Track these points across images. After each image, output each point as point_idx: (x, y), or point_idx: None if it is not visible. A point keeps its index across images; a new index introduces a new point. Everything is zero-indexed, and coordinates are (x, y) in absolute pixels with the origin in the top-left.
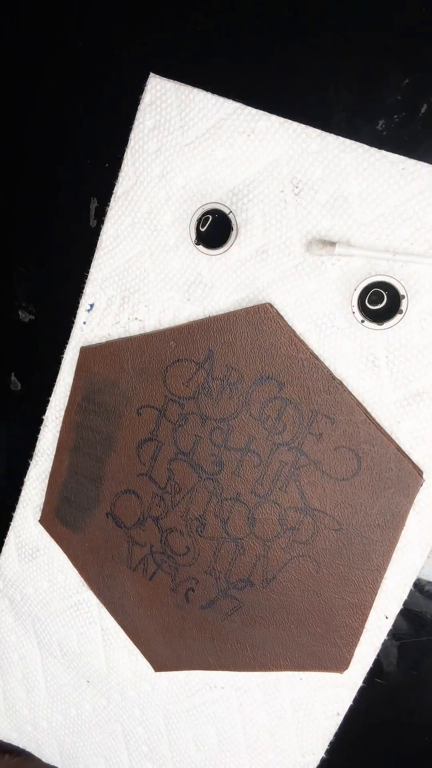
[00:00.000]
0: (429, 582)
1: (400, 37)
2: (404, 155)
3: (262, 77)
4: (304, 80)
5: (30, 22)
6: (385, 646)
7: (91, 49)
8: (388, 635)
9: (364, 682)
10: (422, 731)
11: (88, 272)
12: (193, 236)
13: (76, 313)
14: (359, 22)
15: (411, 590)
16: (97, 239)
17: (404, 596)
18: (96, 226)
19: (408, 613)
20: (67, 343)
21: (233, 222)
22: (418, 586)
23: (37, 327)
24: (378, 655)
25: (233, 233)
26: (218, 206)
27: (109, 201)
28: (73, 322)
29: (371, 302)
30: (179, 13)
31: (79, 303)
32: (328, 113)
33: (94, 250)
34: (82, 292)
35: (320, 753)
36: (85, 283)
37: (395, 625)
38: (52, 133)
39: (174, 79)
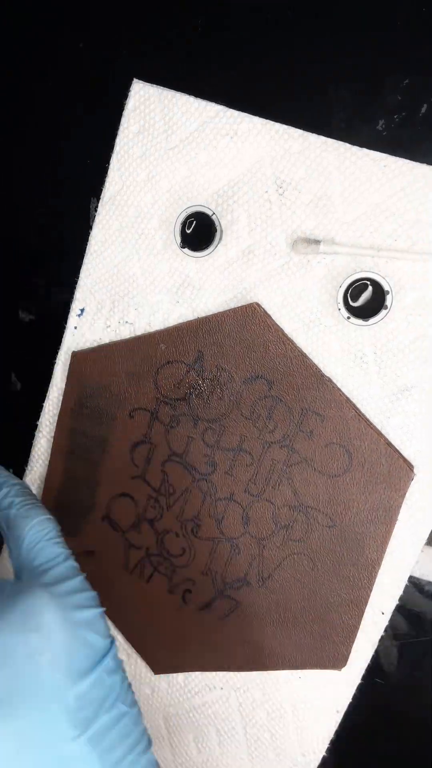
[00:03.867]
0: (429, 582)
1: (400, 37)
2: (404, 155)
3: (260, 79)
4: (304, 81)
5: (30, 23)
6: (385, 646)
7: (91, 49)
8: (388, 636)
9: (363, 680)
10: (422, 731)
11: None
12: (178, 240)
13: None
14: (359, 22)
15: (411, 590)
16: None
17: (399, 591)
18: None
19: (408, 613)
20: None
21: (217, 224)
22: (418, 586)
23: (37, 327)
24: (378, 656)
25: (217, 235)
26: (201, 209)
27: None
28: (65, 327)
29: (356, 299)
30: (178, 13)
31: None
32: (328, 114)
33: None
34: (73, 297)
35: (321, 751)
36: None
37: (395, 626)
38: (51, 133)
39: (165, 85)
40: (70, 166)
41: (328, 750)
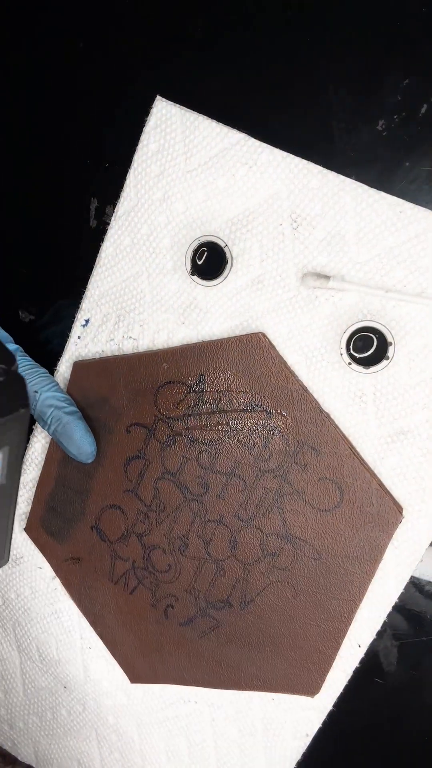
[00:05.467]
0: (429, 582)
1: (400, 37)
2: (404, 155)
3: (259, 79)
4: (304, 82)
5: (36, 28)
6: (385, 646)
7: (93, 52)
8: (388, 636)
9: (363, 680)
10: (422, 732)
11: (87, 273)
12: (188, 267)
13: (74, 315)
14: (359, 22)
15: (411, 590)
16: (97, 239)
17: (378, 627)
18: (96, 226)
19: (408, 613)
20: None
21: (228, 255)
22: (418, 586)
23: (37, 327)
24: (378, 655)
25: (228, 266)
26: (214, 239)
27: (109, 201)
28: (69, 335)
29: (359, 347)
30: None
31: (76, 306)
32: (328, 114)
33: (94, 250)
34: (79, 307)
35: None
36: (82, 284)
37: (395, 626)
38: (52, 133)
39: (181, 102)
40: (71, 166)
41: (325, 750)
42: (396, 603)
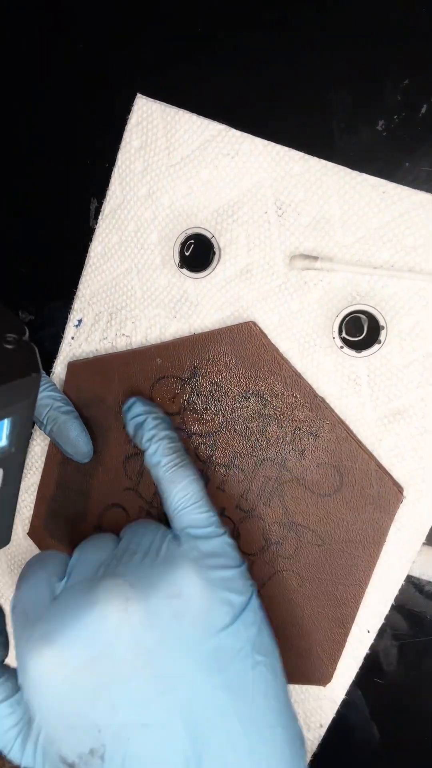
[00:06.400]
0: (429, 582)
1: (400, 37)
2: (404, 156)
3: (259, 79)
4: (304, 82)
5: (33, 24)
6: (385, 646)
7: (92, 51)
8: (388, 636)
9: (363, 680)
10: (422, 732)
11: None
12: (177, 260)
13: (67, 315)
14: (358, 22)
15: (411, 590)
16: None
17: (386, 610)
18: (96, 226)
19: (408, 613)
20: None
21: (215, 246)
22: (418, 586)
23: (36, 327)
24: (378, 656)
25: (215, 257)
26: (201, 231)
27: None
28: (62, 336)
29: (351, 331)
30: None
31: (69, 307)
32: (327, 114)
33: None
34: (71, 308)
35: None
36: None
37: (395, 626)
38: (52, 133)
39: (164, 99)
40: (70, 166)
41: (322, 753)
42: (396, 603)
